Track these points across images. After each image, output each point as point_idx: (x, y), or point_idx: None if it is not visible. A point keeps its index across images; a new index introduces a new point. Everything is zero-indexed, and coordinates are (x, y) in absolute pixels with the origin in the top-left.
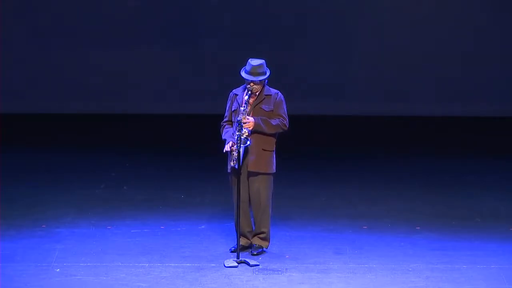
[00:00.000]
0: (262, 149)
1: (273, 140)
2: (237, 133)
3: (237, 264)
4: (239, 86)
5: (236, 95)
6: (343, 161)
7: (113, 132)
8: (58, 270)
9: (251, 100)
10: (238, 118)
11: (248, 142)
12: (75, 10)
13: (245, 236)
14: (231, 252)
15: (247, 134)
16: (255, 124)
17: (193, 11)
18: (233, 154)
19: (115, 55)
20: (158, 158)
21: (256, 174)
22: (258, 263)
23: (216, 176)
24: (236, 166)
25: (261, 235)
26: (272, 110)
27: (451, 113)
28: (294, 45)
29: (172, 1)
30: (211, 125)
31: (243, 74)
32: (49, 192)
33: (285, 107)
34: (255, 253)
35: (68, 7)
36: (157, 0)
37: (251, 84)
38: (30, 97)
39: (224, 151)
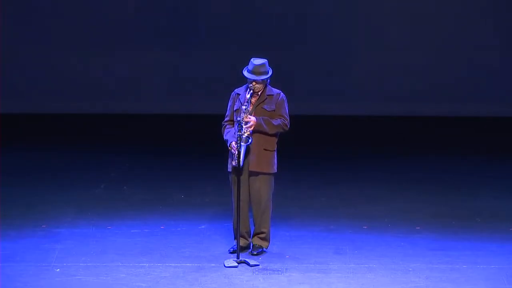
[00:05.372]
0: (264, 149)
1: (275, 139)
2: (237, 133)
3: (237, 264)
4: (241, 86)
5: (239, 94)
6: (343, 161)
7: (113, 132)
8: (58, 270)
9: (253, 100)
10: (240, 117)
11: (250, 140)
12: (75, 11)
13: (242, 237)
14: (230, 253)
15: (248, 133)
16: (257, 123)
17: (194, 11)
18: (234, 153)
19: (115, 55)
20: (158, 158)
21: (257, 173)
22: (258, 263)
23: (216, 176)
24: (237, 166)
25: (261, 235)
26: (274, 110)
27: (451, 113)
28: (294, 45)
29: (173, 2)
30: (211, 125)
31: (245, 73)
32: (49, 192)
33: (287, 107)
34: (255, 253)
35: (69, 8)
36: (157, 1)
37: (253, 83)
38: (30, 97)
39: (232, 152)
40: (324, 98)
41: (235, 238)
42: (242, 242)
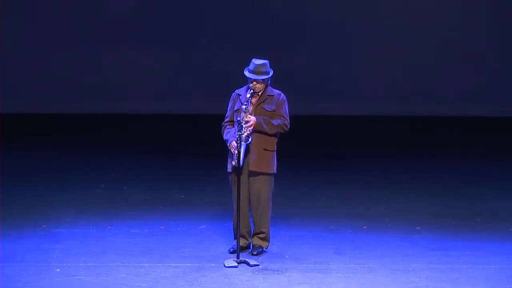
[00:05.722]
0: (264, 149)
1: (275, 140)
2: (237, 133)
3: (237, 264)
4: (241, 86)
5: (239, 95)
6: (343, 161)
7: (113, 132)
8: (58, 270)
9: (253, 100)
10: (239, 118)
11: (250, 139)
12: (75, 10)
13: (243, 237)
14: (230, 253)
15: (248, 132)
16: (257, 123)
17: (193, 11)
18: (235, 153)
19: (115, 55)
20: (158, 158)
21: (257, 174)
22: (258, 263)
23: (216, 176)
24: (237, 165)
25: (261, 235)
26: (274, 110)
27: (451, 113)
28: (294, 45)
29: (172, 2)
30: (211, 125)
31: (246, 73)
32: (49, 192)
33: (287, 108)
34: (255, 253)
35: (68, 7)
36: (157, 0)
37: (254, 83)
38: (30, 97)
39: (232, 151)
40: (324, 98)
41: (235, 238)
42: (242, 242)
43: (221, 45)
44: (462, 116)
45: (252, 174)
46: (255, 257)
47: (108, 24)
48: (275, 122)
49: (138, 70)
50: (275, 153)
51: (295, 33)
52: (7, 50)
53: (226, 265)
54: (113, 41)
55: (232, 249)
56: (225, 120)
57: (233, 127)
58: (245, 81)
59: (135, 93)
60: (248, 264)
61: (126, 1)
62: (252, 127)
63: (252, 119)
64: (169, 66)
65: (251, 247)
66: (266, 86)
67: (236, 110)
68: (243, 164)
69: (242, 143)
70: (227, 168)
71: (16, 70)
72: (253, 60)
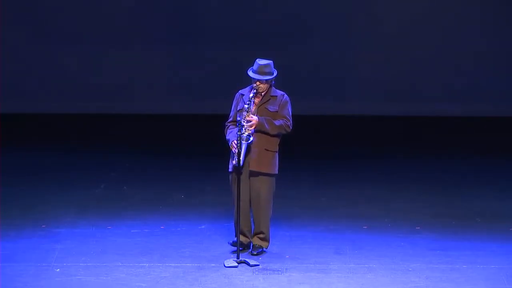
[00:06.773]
0: (265, 149)
1: (277, 140)
2: (237, 133)
3: (237, 264)
4: (241, 86)
5: (243, 95)
6: (343, 161)
7: (113, 132)
8: (58, 270)
9: (256, 100)
10: (240, 117)
11: (251, 139)
12: (76, 10)
13: (243, 235)
14: (230, 245)
15: (249, 131)
16: (259, 123)
17: (194, 11)
18: (235, 152)
19: (115, 55)
20: (158, 158)
21: (257, 174)
22: (258, 263)
23: (216, 176)
24: (237, 164)
25: (261, 235)
26: (277, 111)
27: (451, 113)
28: (294, 45)
29: (173, 1)
30: (211, 125)
31: (250, 73)
32: (49, 192)
33: (290, 109)
34: (255, 253)
35: (69, 7)
36: (158, 0)
37: (257, 83)
38: (30, 97)
39: (233, 151)
40: (324, 98)
41: (235, 236)
42: (243, 239)
43: (222, 45)
44: (462, 116)
45: (252, 174)
46: (255, 257)
47: (108, 24)
48: (277, 122)
49: (138, 70)
50: (277, 154)
51: (295, 32)
52: (7, 50)
53: (226, 265)
54: (113, 41)
55: (232, 242)
56: (228, 120)
57: (236, 127)
58: (248, 81)
59: (135, 93)
60: (248, 264)
61: (126, 1)
62: (253, 126)
63: (254, 118)
64: (169, 66)
65: (251, 247)
66: (270, 86)
67: (239, 110)
68: (243, 164)
69: (243, 142)
70: (228, 168)
71: (16, 70)
72: (257, 60)
